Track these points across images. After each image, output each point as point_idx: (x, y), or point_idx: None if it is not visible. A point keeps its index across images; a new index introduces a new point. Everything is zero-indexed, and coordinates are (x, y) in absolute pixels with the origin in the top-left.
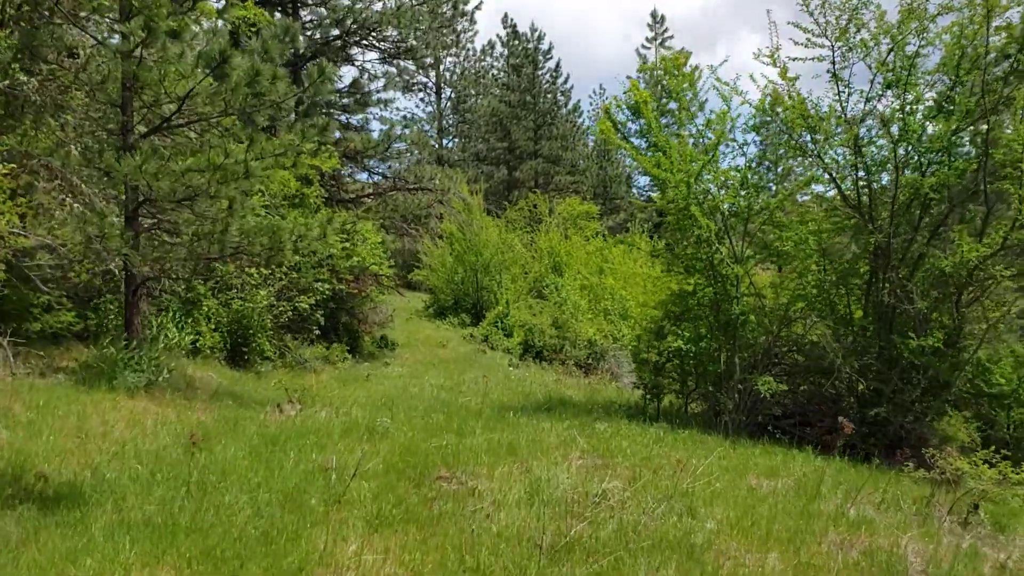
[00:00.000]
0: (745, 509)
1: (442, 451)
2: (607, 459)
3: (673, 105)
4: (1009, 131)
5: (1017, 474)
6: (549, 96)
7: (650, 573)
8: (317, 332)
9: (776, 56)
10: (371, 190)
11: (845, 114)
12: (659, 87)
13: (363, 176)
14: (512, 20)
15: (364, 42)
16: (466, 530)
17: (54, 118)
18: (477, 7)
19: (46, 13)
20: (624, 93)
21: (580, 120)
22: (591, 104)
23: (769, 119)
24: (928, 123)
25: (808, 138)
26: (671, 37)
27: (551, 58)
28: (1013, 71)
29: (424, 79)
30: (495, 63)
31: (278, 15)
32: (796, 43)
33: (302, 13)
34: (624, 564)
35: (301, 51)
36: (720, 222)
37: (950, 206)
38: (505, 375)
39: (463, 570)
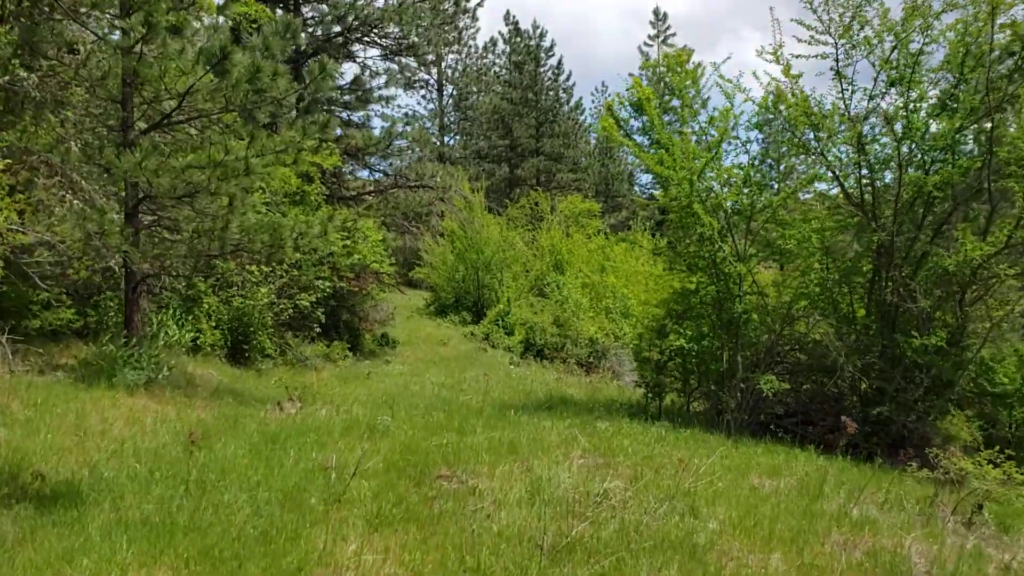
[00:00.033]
0: (748, 509)
1: (443, 449)
2: (609, 458)
3: (676, 102)
4: (1013, 129)
5: (1022, 474)
6: (551, 93)
7: (652, 574)
8: (318, 330)
9: (779, 53)
10: (372, 187)
11: (848, 112)
12: (661, 84)
13: (364, 173)
14: (514, 17)
15: (366, 39)
16: (467, 529)
17: (54, 114)
18: (479, 4)
19: (46, 9)
20: (627, 90)
21: (582, 118)
22: (593, 102)
23: (772, 117)
24: (932, 121)
25: (811, 136)
26: (673, 35)
27: (553, 55)
28: (1017, 68)
29: (426, 76)
30: (497, 60)
31: (279, 11)
32: (799, 40)
33: (303, 9)
34: (626, 565)
35: (303, 48)
36: (723, 220)
37: (954, 204)
38: (506, 373)
39: (463, 570)
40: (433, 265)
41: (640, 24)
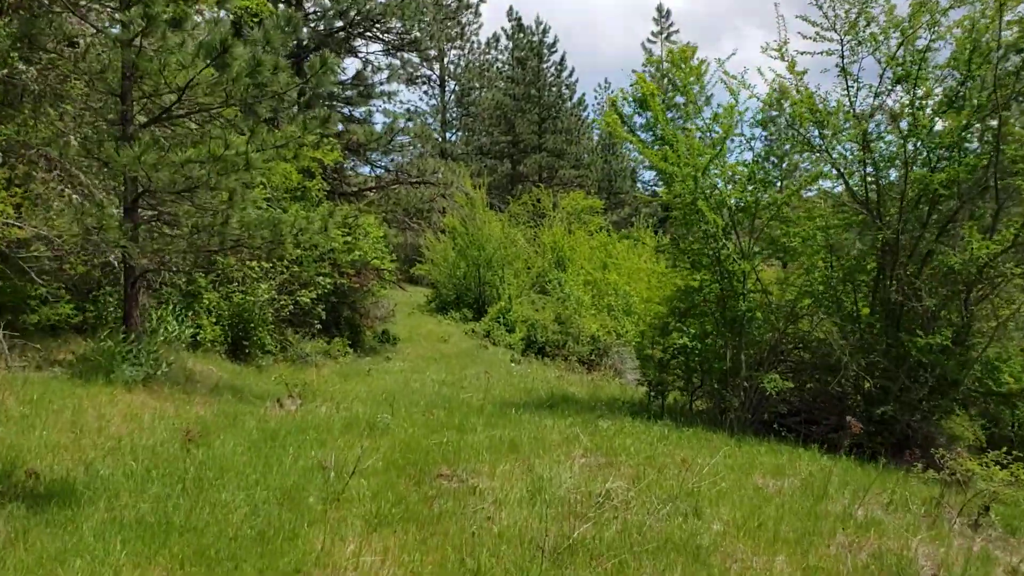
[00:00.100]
0: (751, 509)
1: (443, 448)
2: (611, 457)
3: (680, 99)
4: (1020, 126)
5: None
6: (554, 89)
7: None
8: (318, 326)
9: (784, 50)
10: (373, 183)
11: (854, 109)
12: (665, 80)
13: (366, 169)
14: (517, 13)
15: (368, 34)
16: (467, 530)
17: (53, 108)
18: (482, 0)
19: (45, 1)
20: (631, 86)
21: (585, 114)
22: (596, 98)
23: (776, 114)
24: (938, 118)
25: (816, 133)
26: (676, 32)
27: (556, 51)
28: None
29: (428, 72)
30: (500, 56)
31: (281, 6)
32: (804, 37)
33: (306, 4)
34: (629, 567)
35: (304, 43)
36: (727, 217)
37: (959, 202)
38: (507, 371)
39: (463, 572)
40: (434, 262)
41: (643, 21)
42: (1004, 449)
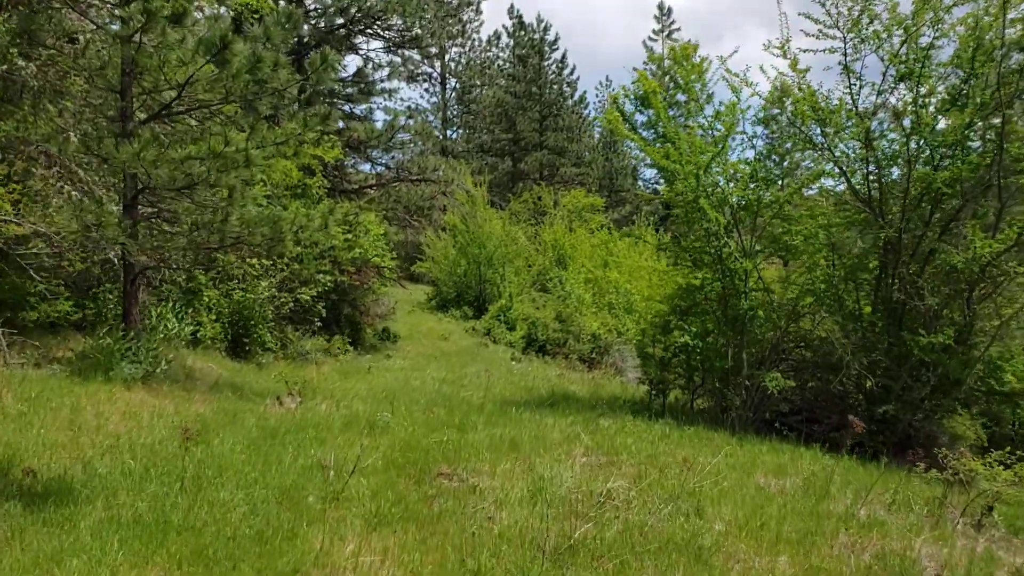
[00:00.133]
0: (753, 509)
1: (443, 447)
2: (612, 456)
3: (681, 96)
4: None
5: None
6: (555, 87)
7: None
8: (319, 324)
9: (786, 48)
10: (374, 181)
11: (856, 107)
12: (667, 78)
13: (366, 167)
14: (518, 11)
15: (369, 31)
16: (467, 530)
17: (53, 104)
18: None
19: None
20: (632, 83)
21: (586, 112)
22: (597, 96)
23: (778, 112)
24: (940, 117)
25: (818, 131)
26: (678, 30)
27: (557, 49)
28: None
29: (429, 69)
30: (501, 54)
31: (282, 2)
32: (807, 34)
33: (306, 1)
34: (630, 568)
35: (305, 40)
36: (729, 215)
37: (962, 201)
38: (507, 369)
39: (463, 573)
40: (435, 259)
41: (644, 19)
42: (1007, 449)
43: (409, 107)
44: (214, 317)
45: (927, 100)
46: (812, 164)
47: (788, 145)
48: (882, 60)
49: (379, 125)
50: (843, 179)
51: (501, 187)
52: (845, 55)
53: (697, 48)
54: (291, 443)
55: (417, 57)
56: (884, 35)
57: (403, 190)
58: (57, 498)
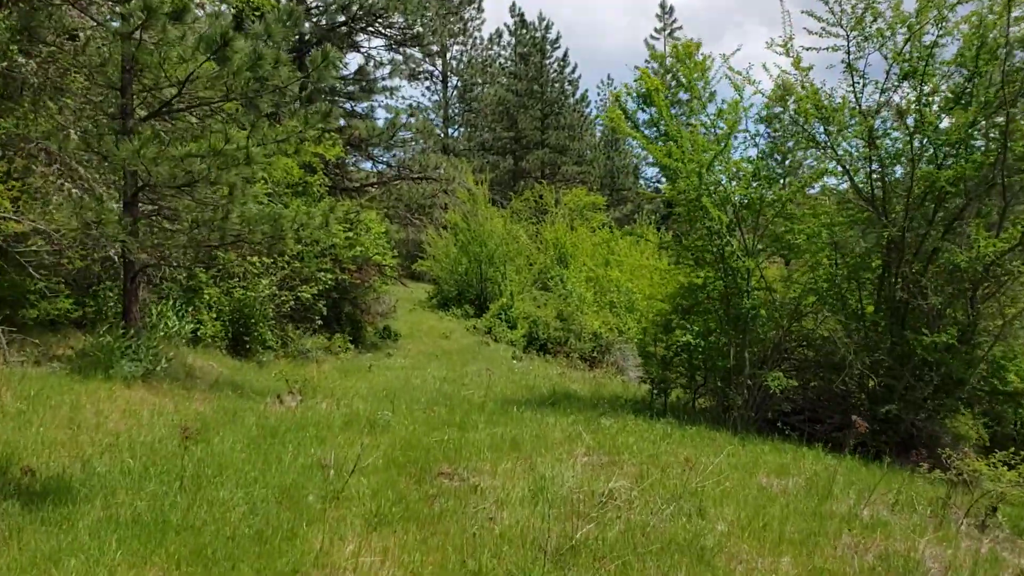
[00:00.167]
0: (756, 509)
1: (444, 446)
2: (613, 456)
3: (683, 95)
4: None
5: None
6: (556, 85)
7: None
8: (319, 322)
9: (789, 46)
10: (375, 179)
11: (860, 105)
12: (669, 76)
13: (367, 165)
14: (520, 9)
15: (370, 28)
16: (468, 530)
17: (53, 101)
18: None
19: None
20: (635, 81)
21: (587, 110)
22: (599, 94)
23: (780, 110)
24: (944, 115)
25: (821, 129)
26: (680, 28)
27: (559, 47)
28: None
29: (430, 67)
30: (502, 52)
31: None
32: (810, 32)
33: None
34: (632, 569)
35: (306, 37)
36: (731, 214)
37: (966, 200)
38: (508, 368)
39: (464, 573)
40: (436, 258)
41: (646, 18)
42: (1011, 450)
43: (411, 105)
44: (215, 315)
45: (931, 98)
46: (815, 163)
47: (790, 144)
48: (885, 58)
49: (380, 123)
50: (846, 178)
51: (502, 185)
52: (848, 53)
53: (700, 46)
54: (291, 442)
55: (418, 55)
56: (887, 33)
57: (404, 188)
58: (55, 497)
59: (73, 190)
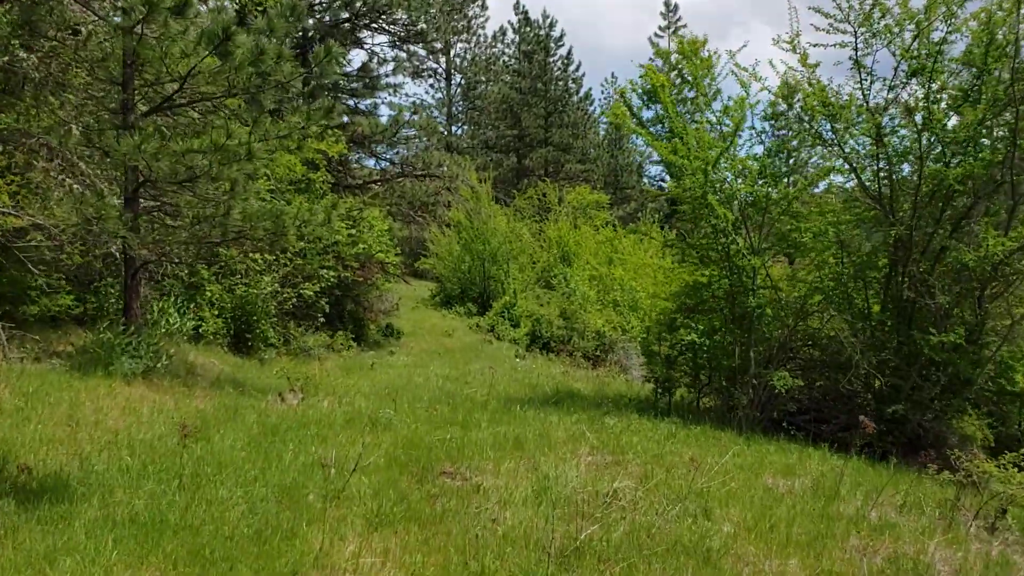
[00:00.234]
0: (762, 510)
1: (446, 445)
2: (617, 456)
3: (689, 92)
4: None
5: None
6: (560, 84)
7: None
8: (322, 319)
9: (796, 42)
10: (378, 176)
11: (867, 102)
12: (674, 73)
13: (371, 162)
14: (524, 7)
15: (374, 25)
16: (470, 531)
17: (54, 96)
18: None
19: None
20: (640, 77)
21: (591, 108)
22: (602, 92)
23: (785, 107)
24: (953, 113)
25: (828, 127)
26: (684, 26)
27: (563, 45)
28: None
29: (434, 65)
30: (506, 50)
31: None
32: (817, 29)
33: None
34: (637, 571)
35: (310, 34)
36: (737, 211)
37: (974, 198)
38: (511, 366)
39: (467, 575)
40: (439, 256)
41: (651, 16)
42: (1022, 451)
43: (414, 103)
44: (216, 312)
45: (939, 96)
46: (820, 160)
47: (794, 143)
48: (894, 55)
49: (384, 120)
50: (853, 175)
51: (506, 183)
52: (856, 50)
53: (706, 42)
54: (292, 440)
55: (422, 52)
56: (896, 29)
57: (407, 186)
58: (52, 495)
59: (74, 186)
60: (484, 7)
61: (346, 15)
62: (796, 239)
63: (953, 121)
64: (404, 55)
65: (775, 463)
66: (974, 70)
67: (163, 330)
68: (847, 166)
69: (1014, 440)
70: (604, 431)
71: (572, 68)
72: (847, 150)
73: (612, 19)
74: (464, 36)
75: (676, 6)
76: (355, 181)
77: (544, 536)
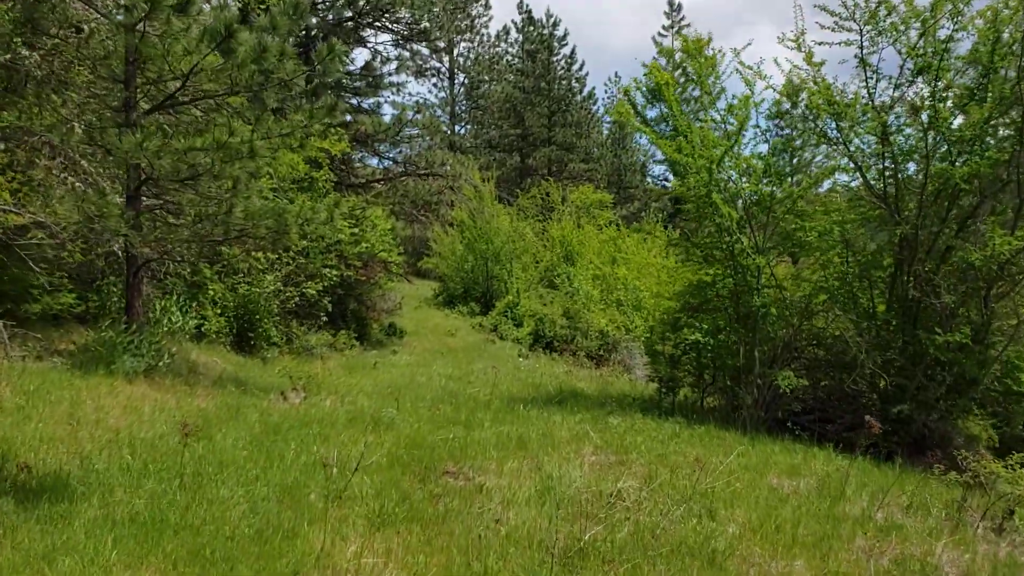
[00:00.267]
0: (767, 511)
1: (449, 444)
2: (621, 455)
3: (693, 90)
4: None
5: None
6: (564, 83)
7: None
8: (324, 319)
9: (801, 41)
10: (381, 175)
11: (873, 101)
12: (678, 71)
13: (374, 161)
14: (527, 6)
15: (377, 23)
16: (473, 531)
17: (57, 94)
18: None
19: None
20: (644, 75)
21: (595, 108)
22: (606, 92)
23: (790, 105)
24: (959, 111)
25: (833, 125)
26: (688, 25)
27: (566, 44)
28: None
29: (437, 64)
30: (509, 49)
31: None
32: (823, 27)
33: None
34: (642, 572)
35: (313, 32)
36: (741, 210)
37: (980, 197)
38: (515, 365)
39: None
40: (442, 255)
41: (654, 15)
42: None
43: (417, 102)
44: (219, 311)
45: (945, 94)
46: (825, 159)
47: (798, 142)
48: (899, 53)
49: (387, 119)
50: (858, 174)
51: (509, 183)
52: (862, 48)
53: (710, 41)
54: (294, 439)
55: (425, 51)
56: (902, 27)
57: (410, 185)
58: (52, 495)
59: (76, 183)
60: (487, 6)
61: (349, 13)
62: (801, 238)
63: (959, 120)
64: (407, 54)
65: (780, 463)
66: (980, 68)
67: (165, 329)
68: (852, 165)
69: (1019, 440)
70: (608, 431)
71: (575, 67)
72: (852, 149)
73: (616, 18)
74: (467, 35)
75: (680, 5)
76: (358, 180)
77: (548, 536)
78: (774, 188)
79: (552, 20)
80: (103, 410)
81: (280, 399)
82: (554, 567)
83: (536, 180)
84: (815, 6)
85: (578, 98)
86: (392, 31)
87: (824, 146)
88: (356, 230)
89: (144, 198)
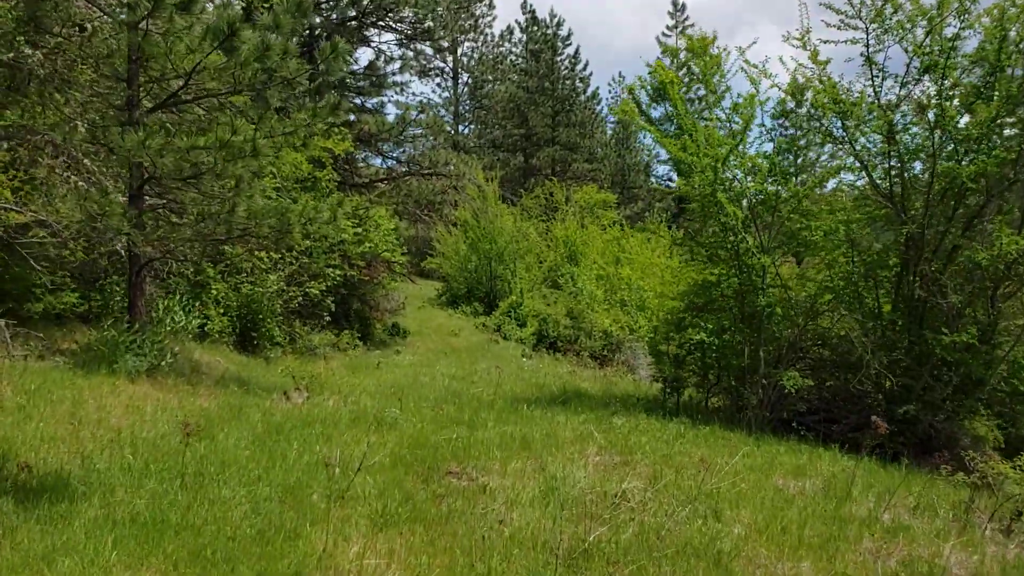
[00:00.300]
0: (773, 512)
1: (452, 444)
2: (626, 456)
3: (699, 89)
4: None
5: None
6: (567, 83)
7: None
8: (328, 318)
9: (806, 39)
10: (385, 175)
11: (879, 100)
12: (683, 70)
13: (377, 161)
14: (531, 6)
15: (381, 23)
16: (477, 532)
17: (60, 92)
18: None
19: None
20: (649, 74)
21: (599, 107)
22: (610, 91)
23: (794, 104)
24: (965, 110)
25: (839, 124)
26: (691, 25)
27: (570, 44)
28: None
29: (441, 64)
30: (513, 49)
31: None
32: (828, 25)
33: None
34: (647, 573)
35: (316, 31)
36: (746, 209)
37: (987, 196)
38: (518, 366)
39: None
40: (445, 255)
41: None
42: None
43: (421, 101)
44: (222, 310)
45: (952, 93)
46: (830, 159)
47: (803, 141)
48: (906, 51)
49: (390, 119)
50: (864, 173)
51: (513, 182)
52: (867, 46)
53: (715, 40)
54: (296, 439)
55: (429, 51)
56: (908, 26)
57: (414, 184)
58: (52, 494)
59: (78, 182)
60: (491, 6)
61: (353, 13)
62: (806, 237)
63: (965, 119)
64: (411, 53)
65: (785, 464)
66: (987, 67)
67: (168, 328)
68: (858, 164)
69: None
70: (612, 431)
71: (579, 67)
72: (858, 148)
73: (619, 18)
74: (471, 35)
75: (684, 5)
76: (361, 179)
77: (552, 537)
78: (779, 187)
79: (556, 20)
80: (105, 409)
81: (283, 399)
82: (558, 568)
83: (540, 180)
84: (821, 4)
85: (582, 98)
86: (396, 30)
87: (829, 145)
88: (359, 230)
89: (147, 197)
